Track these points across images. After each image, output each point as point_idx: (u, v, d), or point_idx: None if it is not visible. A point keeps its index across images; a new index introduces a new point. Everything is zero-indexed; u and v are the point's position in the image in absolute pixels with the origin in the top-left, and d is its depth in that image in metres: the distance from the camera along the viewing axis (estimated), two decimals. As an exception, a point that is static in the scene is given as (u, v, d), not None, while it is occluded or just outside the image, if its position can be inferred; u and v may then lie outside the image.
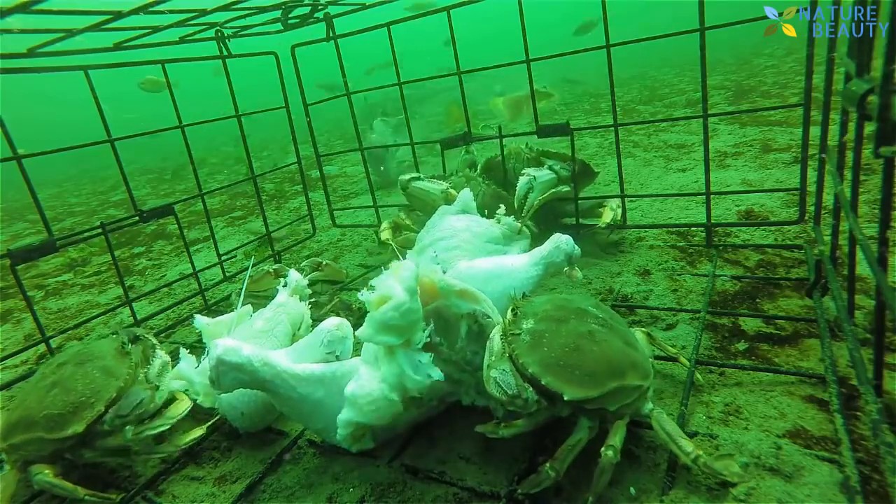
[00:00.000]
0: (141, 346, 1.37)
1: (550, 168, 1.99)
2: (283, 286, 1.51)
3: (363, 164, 2.57)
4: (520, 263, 1.52)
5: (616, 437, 0.92)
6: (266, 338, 1.33)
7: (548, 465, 0.92)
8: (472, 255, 1.64)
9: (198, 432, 1.22)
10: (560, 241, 1.51)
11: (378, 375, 1.01)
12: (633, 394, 0.95)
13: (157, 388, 1.22)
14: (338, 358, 1.17)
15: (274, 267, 1.73)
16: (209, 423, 1.26)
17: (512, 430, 0.98)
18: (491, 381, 0.95)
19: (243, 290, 1.54)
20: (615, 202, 2.03)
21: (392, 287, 0.98)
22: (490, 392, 0.95)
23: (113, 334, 1.37)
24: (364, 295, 1.00)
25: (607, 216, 1.95)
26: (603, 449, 0.90)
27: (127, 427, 1.15)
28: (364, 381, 1.01)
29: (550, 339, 0.99)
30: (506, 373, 0.96)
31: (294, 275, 1.53)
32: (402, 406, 1.01)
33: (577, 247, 1.53)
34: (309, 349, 1.19)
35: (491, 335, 1.06)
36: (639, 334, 1.14)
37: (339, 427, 1.04)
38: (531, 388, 0.94)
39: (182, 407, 1.22)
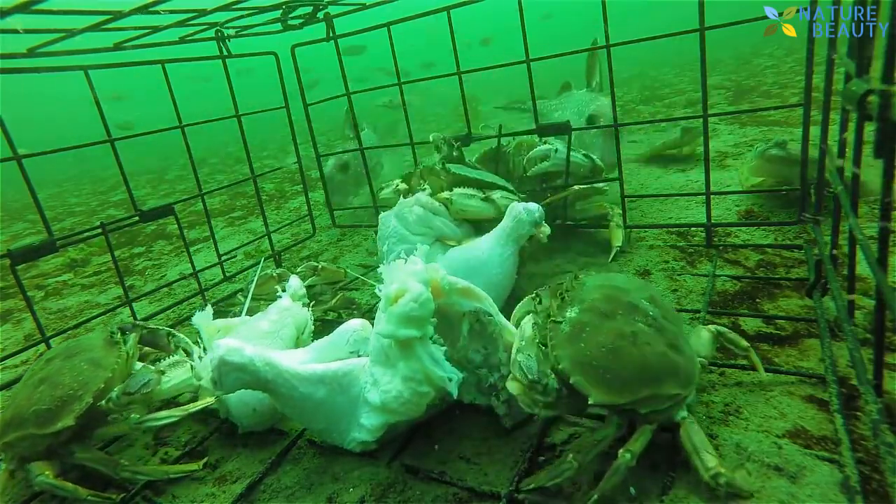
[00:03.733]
0: (151, 336, 1.40)
1: (585, 155, 1.97)
2: (284, 291, 1.51)
3: (363, 163, 2.57)
4: (488, 251, 1.50)
5: (637, 443, 0.90)
6: (272, 339, 1.33)
7: (570, 455, 0.90)
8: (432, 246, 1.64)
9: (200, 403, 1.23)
10: (519, 214, 1.49)
11: (398, 374, 1.01)
12: (667, 402, 0.92)
13: (163, 373, 1.24)
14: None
15: (277, 271, 1.73)
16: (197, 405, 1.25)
17: (548, 412, 0.98)
18: (516, 365, 0.96)
19: (250, 293, 1.54)
20: (617, 217, 2.00)
21: (406, 281, 0.99)
22: (514, 373, 0.96)
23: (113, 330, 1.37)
24: (382, 289, 1.01)
25: (617, 238, 1.93)
26: (621, 451, 0.88)
27: (133, 416, 1.17)
28: (387, 386, 1.01)
29: (590, 334, 0.96)
30: (530, 358, 0.96)
31: (294, 281, 1.53)
32: (434, 393, 1.02)
33: (538, 210, 1.50)
34: (332, 348, 1.19)
35: (523, 321, 1.07)
36: (704, 333, 1.10)
37: (365, 434, 1.05)
38: (553, 377, 0.94)
39: (198, 405, 1.23)
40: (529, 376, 0.93)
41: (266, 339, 1.32)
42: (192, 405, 1.22)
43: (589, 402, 0.90)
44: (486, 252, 1.52)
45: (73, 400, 1.12)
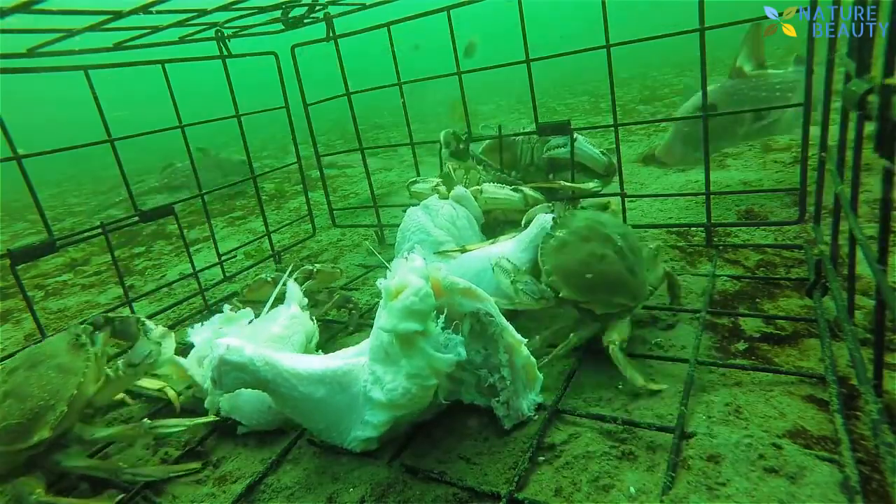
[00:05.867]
0: (121, 327, 1.36)
1: (603, 152, 2.00)
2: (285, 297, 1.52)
3: (363, 164, 2.57)
4: (508, 252, 1.53)
5: (614, 333, 1.23)
6: (284, 343, 1.34)
7: (572, 333, 1.26)
8: (457, 240, 1.71)
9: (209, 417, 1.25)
10: (545, 222, 1.52)
11: (402, 371, 1.00)
12: (617, 307, 1.27)
13: (160, 345, 1.26)
14: None
15: (272, 276, 1.73)
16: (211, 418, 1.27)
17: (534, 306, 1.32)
18: (520, 293, 1.29)
19: (272, 296, 1.53)
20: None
21: (406, 276, 0.99)
22: (520, 301, 1.30)
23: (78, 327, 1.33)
24: (382, 283, 1.02)
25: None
26: (605, 345, 1.21)
27: (145, 421, 1.17)
28: (391, 384, 1.01)
29: (570, 250, 1.31)
30: (528, 283, 1.31)
31: (295, 291, 1.52)
32: (437, 383, 1.03)
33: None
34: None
35: (497, 263, 1.36)
36: (660, 270, 1.43)
37: (370, 430, 1.04)
38: (549, 289, 1.28)
39: (205, 419, 1.25)
40: (535, 297, 1.29)
41: (278, 342, 1.33)
42: (199, 419, 1.24)
43: (559, 296, 1.26)
44: (505, 252, 1.54)
45: (47, 410, 1.07)
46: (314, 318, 1.51)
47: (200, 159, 4.52)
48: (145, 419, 1.19)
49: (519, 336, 1.16)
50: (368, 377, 1.05)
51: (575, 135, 1.99)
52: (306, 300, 1.55)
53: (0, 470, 1.08)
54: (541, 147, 2.06)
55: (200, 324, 1.44)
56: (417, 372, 0.99)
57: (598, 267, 1.25)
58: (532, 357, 1.18)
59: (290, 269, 1.67)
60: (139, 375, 1.23)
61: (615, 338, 1.21)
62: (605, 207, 2.04)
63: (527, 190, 1.87)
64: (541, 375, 1.20)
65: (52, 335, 1.67)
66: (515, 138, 2.12)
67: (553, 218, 1.46)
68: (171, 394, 1.37)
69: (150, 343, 1.25)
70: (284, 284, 1.57)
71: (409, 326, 0.97)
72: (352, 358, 1.15)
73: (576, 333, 1.26)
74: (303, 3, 1.99)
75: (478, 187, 1.87)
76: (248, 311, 1.51)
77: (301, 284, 1.62)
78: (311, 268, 1.74)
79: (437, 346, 1.01)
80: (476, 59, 2.47)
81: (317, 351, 1.44)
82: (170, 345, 1.30)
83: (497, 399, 1.12)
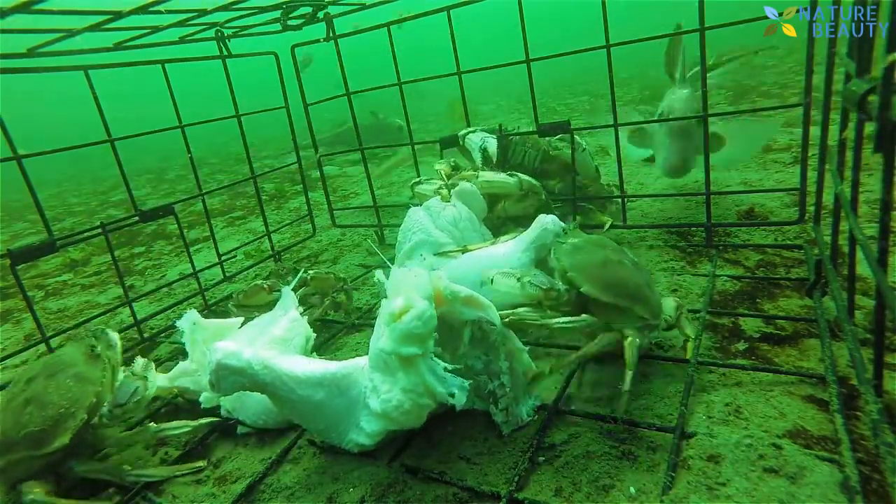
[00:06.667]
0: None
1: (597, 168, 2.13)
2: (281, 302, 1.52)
3: (363, 163, 2.57)
4: (509, 252, 1.53)
5: (637, 336, 1.12)
6: (287, 345, 1.34)
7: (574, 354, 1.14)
8: (459, 242, 1.72)
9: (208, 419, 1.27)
10: (546, 223, 1.53)
11: (398, 384, 1.00)
12: (637, 321, 1.16)
13: (146, 378, 1.24)
14: None
15: (268, 283, 1.73)
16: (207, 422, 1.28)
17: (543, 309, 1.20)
18: (527, 286, 1.17)
19: (289, 296, 1.53)
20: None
21: (412, 296, 0.98)
22: (528, 293, 1.17)
23: (88, 335, 1.34)
24: (386, 306, 1.01)
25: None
26: (624, 336, 1.12)
27: (150, 425, 1.19)
28: (387, 395, 1.00)
29: (586, 253, 1.24)
30: (537, 275, 1.20)
31: (290, 297, 1.53)
32: (435, 404, 1.02)
33: (563, 224, 1.55)
34: None
35: (495, 275, 1.24)
36: (671, 302, 1.26)
37: (364, 438, 1.05)
38: (560, 283, 1.19)
39: (204, 420, 1.27)
40: (544, 287, 1.16)
41: (281, 345, 1.33)
42: (202, 420, 1.26)
43: (580, 290, 1.15)
44: (505, 255, 1.53)
45: (67, 417, 1.09)
46: (313, 320, 1.51)
47: (371, 122, 5.12)
48: (151, 423, 1.21)
49: (520, 343, 1.16)
50: (368, 383, 1.05)
51: (584, 145, 2.07)
52: (300, 308, 1.55)
53: (20, 475, 1.09)
54: (533, 153, 2.12)
55: (193, 311, 1.45)
56: (413, 388, 0.99)
57: (618, 270, 1.18)
58: (532, 364, 1.18)
59: (293, 277, 1.68)
60: (128, 415, 1.21)
61: (636, 337, 1.12)
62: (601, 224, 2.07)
63: (522, 175, 1.92)
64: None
65: (51, 335, 1.69)
66: (511, 137, 2.14)
67: (563, 228, 1.46)
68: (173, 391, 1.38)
69: (135, 380, 1.22)
70: (293, 288, 1.58)
71: (409, 351, 0.97)
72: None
73: (592, 344, 1.14)
74: (303, 2, 1.99)
75: (473, 173, 1.90)
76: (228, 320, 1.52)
77: (295, 291, 1.62)
78: (305, 275, 1.73)
79: (437, 374, 1.00)
80: (474, 60, 2.46)
81: (312, 353, 1.44)
82: (153, 375, 1.29)
83: (496, 405, 1.12)
